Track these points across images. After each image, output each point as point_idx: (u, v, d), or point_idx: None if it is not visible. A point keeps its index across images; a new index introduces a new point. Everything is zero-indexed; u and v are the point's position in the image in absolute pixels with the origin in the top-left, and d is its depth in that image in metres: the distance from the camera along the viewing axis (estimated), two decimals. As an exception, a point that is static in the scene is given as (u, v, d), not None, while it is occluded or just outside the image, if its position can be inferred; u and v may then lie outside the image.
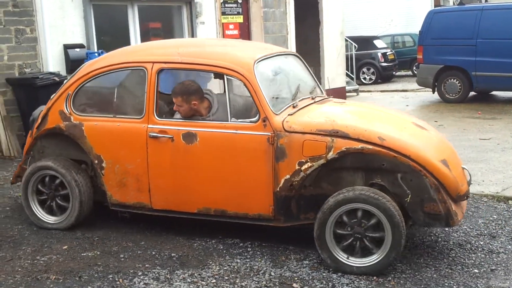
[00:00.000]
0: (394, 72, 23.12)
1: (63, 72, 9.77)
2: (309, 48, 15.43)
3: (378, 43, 22.98)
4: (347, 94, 17.01)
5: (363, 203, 4.57)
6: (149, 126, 5.27)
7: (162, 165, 5.28)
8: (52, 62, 9.81)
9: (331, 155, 4.76)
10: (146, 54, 5.57)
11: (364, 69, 22.32)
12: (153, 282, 4.47)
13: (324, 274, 4.59)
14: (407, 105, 14.86)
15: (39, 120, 5.81)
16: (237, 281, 4.47)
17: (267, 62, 5.41)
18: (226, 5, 12.65)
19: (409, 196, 4.68)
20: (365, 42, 21.88)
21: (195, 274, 4.60)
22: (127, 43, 10.80)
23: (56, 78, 9.10)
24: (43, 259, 4.91)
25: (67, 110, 5.61)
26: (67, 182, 5.56)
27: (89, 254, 5.01)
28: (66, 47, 9.95)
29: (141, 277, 4.56)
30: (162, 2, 11.82)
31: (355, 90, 17.97)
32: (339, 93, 16.25)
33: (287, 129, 4.89)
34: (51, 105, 5.74)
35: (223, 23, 12.55)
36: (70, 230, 5.55)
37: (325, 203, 4.68)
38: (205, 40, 6.24)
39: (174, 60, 5.34)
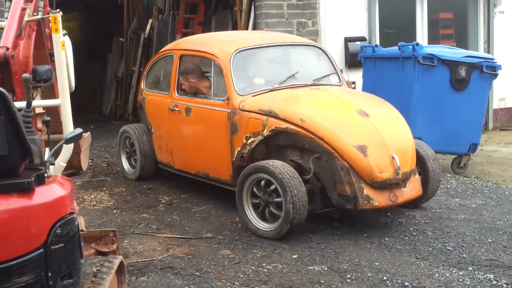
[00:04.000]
0: None
1: (342, 66, 9.50)
2: None
3: None
4: None
5: (262, 172, 5.13)
6: (170, 100, 6.51)
7: (176, 132, 6.52)
8: (332, 55, 9.59)
9: (265, 132, 5.44)
10: (177, 44, 7.17)
11: None
12: (372, 315, 3.86)
13: None
14: None
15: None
16: (474, 333, 3.62)
17: (255, 51, 6.22)
18: (535, -9, 11.03)
19: (311, 174, 5.13)
20: None
21: (425, 314, 3.85)
22: (413, 35, 10.09)
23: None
24: (268, 267, 4.62)
25: (143, 87, 7.19)
26: (134, 142, 7.14)
27: (316, 269, 4.57)
28: (347, 40, 9.66)
29: (361, 306, 3.98)
30: (456, -10, 10.79)
31: None
32: None
33: (241, 108, 5.65)
34: (140, 83, 7.48)
35: (527, 12, 10.98)
36: (305, 239, 5.19)
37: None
38: (229, 32, 8.23)
39: (189, 48, 6.65)
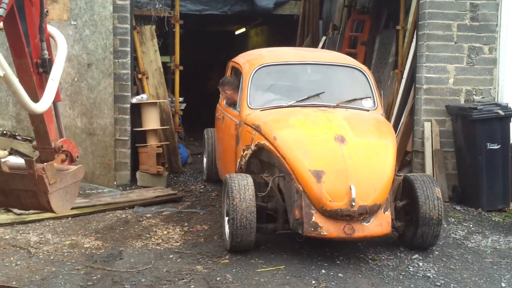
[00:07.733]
0: None
1: (517, 104, 7.54)
2: None
3: None
4: None
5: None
6: (220, 109, 7.03)
7: (218, 139, 7.11)
8: (510, 90, 7.69)
9: (253, 146, 5.50)
10: (236, 57, 7.07)
11: None
12: None
13: None
14: None
15: None
16: None
17: (282, 68, 6.26)
18: None
19: (266, 191, 5.14)
20: None
21: None
22: None
23: (500, 112, 6.95)
24: None
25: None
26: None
27: None
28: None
29: None
30: None
31: None
32: None
33: (244, 121, 5.75)
34: None
35: None
36: None
37: None
38: (270, 48, 7.67)
39: (235, 60, 6.89)
